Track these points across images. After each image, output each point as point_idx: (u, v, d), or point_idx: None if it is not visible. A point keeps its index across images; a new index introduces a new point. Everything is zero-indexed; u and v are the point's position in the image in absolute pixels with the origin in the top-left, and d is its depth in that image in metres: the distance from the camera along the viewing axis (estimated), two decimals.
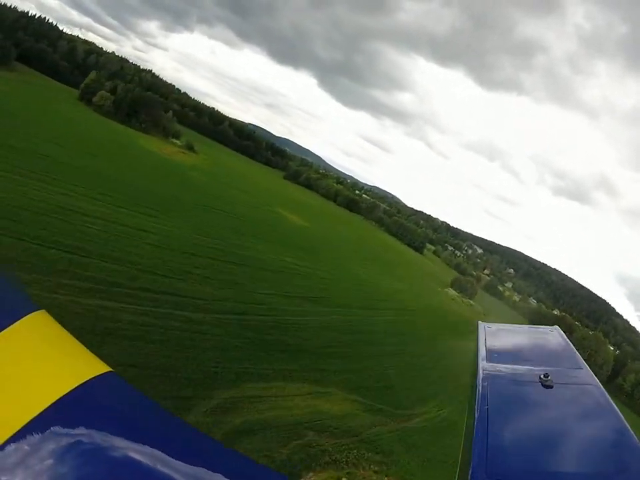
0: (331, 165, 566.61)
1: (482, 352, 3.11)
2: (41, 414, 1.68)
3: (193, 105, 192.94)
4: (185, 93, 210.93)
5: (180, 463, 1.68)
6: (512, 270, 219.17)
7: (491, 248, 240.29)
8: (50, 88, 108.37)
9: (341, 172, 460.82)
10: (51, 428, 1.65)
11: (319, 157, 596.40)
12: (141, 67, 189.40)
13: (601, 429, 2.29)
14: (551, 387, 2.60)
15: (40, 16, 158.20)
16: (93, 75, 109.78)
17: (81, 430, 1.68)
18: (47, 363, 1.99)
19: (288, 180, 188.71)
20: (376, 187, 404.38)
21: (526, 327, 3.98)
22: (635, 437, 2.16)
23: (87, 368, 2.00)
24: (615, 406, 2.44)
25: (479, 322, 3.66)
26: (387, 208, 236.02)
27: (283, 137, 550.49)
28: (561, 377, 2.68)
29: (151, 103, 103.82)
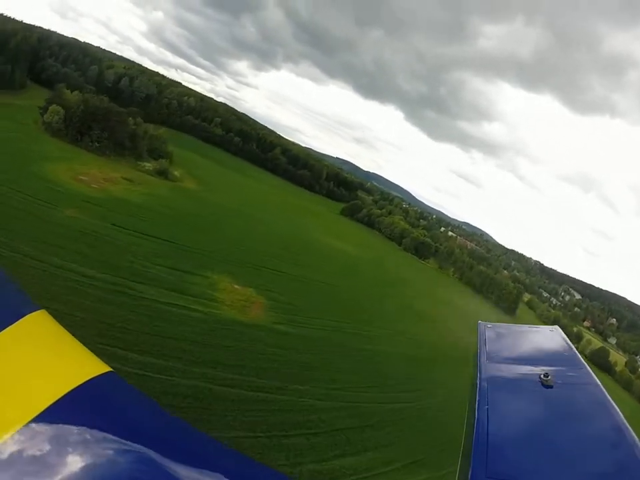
0: (419, 199, 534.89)
1: (482, 352, 3.07)
2: (41, 414, 1.68)
3: (238, 130, 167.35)
4: (239, 119, 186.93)
5: (180, 462, 1.69)
6: (614, 320, 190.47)
7: (589, 292, 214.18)
8: (27, 109, 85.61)
9: (429, 207, 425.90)
10: (51, 428, 1.66)
11: (408, 192, 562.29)
12: (192, 92, 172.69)
13: (601, 429, 2.27)
14: (550, 386, 2.58)
15: (82, 41, 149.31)
16: (57, 89, 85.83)
17: (81, 430, 1.70)
18: (47, 362, 2.01)
19: (345, 216, 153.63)
20: (466, 222, 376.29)
21: (526, 326, 3.76)
22: (635, 436, 2.14)
23: (87, 368, 2.02)
24: (615, 406, 2.40)
25: (479, 322, 3.56)
26: (476, 247, 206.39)
27: (372, 171, 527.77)
28: (561, 376, 2.66)
29: (113, 117, 75.03)
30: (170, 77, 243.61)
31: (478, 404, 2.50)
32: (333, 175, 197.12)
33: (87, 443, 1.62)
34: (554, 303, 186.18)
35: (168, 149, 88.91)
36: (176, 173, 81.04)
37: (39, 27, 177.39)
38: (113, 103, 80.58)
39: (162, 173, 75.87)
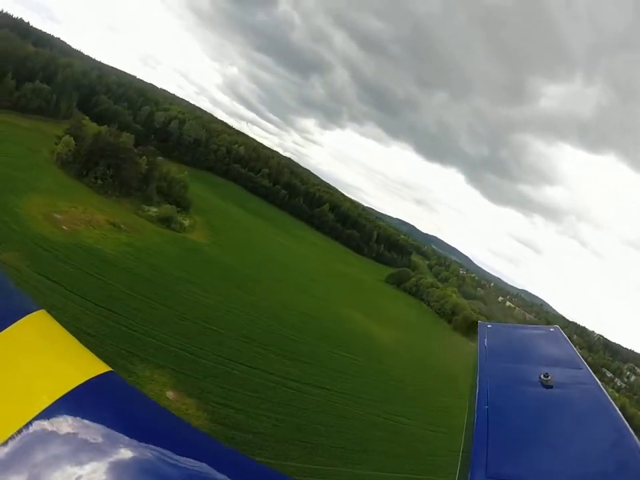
0: (478, 264, 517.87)
1: (482, 352, 3.09)
2: (41, 413, 1.68)
3: (286, 182, 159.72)
4: (292, 172, 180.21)
5: (180, 462, 1.68)
6: None
7: None
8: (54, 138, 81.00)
9: (488, 273, 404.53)
10: (51, 428, 1.66)
11: (466, 256, 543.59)
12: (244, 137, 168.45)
13: (601, 429, 2.26)
14: (550, 386, 2.57)
15: (159, 88, 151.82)
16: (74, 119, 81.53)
17: (81, 429, 1.70)
18: (47, 362, 2.01)
19: (390, 284, 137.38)
20: (524, 290, 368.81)
21: (526, 326, 3.75)
22: (635, 437, 2.13)
23: (87, 368, 2.01)
24: (615, 406, 2.40)
25: (479, 322, 3.59)
26: (535, 319, 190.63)
27: (431, 234, 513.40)
28: (561, 376, 2.65)
29: (121, 154, 67.50)
30: (239, 129, 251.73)
31: (478, 404, 2.47)
32: (385, 237, 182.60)
33: (87, 443, 1.62)
34: (618, 384, 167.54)
35: (187, 194, 79.76)
36: (186, 221, 70.93)
37: (104, 65, 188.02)
38: (127, 140, 72.98)
39: (165, 221, 65.74)
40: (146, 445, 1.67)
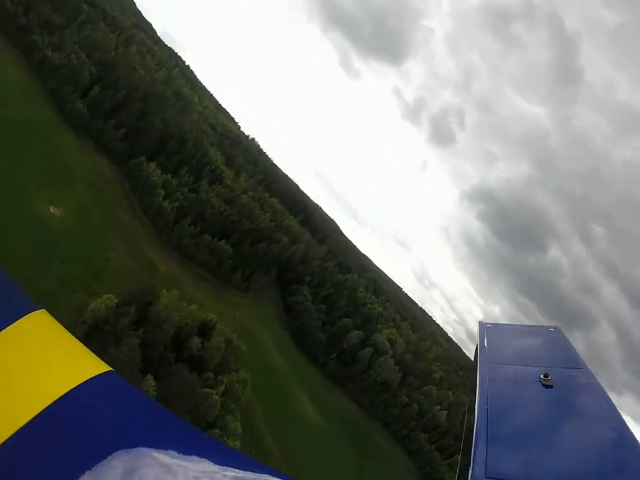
0: None
1: (482, 351, 3.07)
2: (41, 413, 1.67)
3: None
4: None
5: (180, 462, 1.68)
6: None
7: None
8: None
9: None
10: (52, 427, 1.66)
11: None
12: None
13: (600, 429, 2.26)
14: (551, 386, 2.56)
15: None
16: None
17: (81, 428, 1.71)
18: (47, 362, 2.01)
19: None
20: None
21: (526, 326, 3.74)
22: (635, 436, 2.14)
23: (87, 368, 2.02)
24: (615, 406, 2.40)
25: (480, 321, 3.52)
26: None
27: None
28: (561, 376, 2.63)
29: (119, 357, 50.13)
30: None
31: (478, 404, 2.44)
32: None
33: (87, 442, 1.62)
34: None
35: None
36: None
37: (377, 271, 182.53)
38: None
39: None
40: (145, 444, 1.65)
